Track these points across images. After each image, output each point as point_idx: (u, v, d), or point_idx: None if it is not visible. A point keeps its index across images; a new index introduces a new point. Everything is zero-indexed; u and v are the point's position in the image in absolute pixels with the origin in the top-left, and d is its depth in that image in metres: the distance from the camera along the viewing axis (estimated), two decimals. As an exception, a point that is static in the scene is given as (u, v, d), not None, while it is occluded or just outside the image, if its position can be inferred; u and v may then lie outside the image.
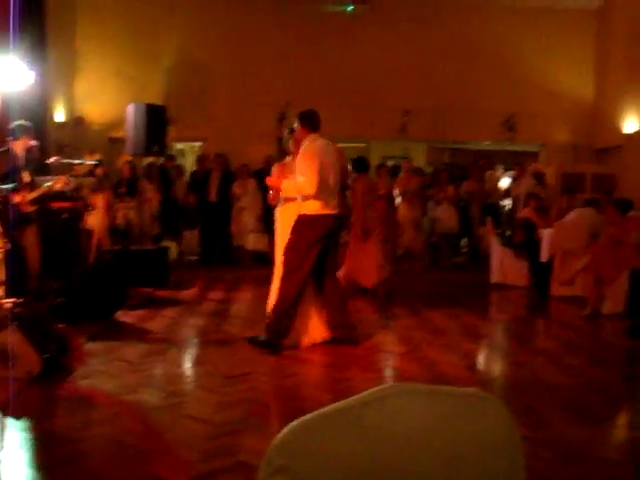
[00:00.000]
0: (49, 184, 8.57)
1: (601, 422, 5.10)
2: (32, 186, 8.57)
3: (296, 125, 6.94)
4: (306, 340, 6.92)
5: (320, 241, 6.73)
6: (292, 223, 6.75)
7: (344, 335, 7.01)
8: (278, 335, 6.72)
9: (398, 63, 15.01)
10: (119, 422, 4.73)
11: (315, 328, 6.98)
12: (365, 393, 1.32)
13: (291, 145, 7.14)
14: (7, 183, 7.69)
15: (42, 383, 5.50)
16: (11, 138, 8.56)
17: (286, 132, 7.48)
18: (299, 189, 6.68)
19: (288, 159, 7.22)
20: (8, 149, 8.55)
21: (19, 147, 8.56)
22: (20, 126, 8.66)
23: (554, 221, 10.87)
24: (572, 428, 4.79)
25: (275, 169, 7.34)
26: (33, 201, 8.57)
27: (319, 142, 6.79)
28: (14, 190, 8.19)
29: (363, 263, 10.01)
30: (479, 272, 12.67)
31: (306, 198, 6.68)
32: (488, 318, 9.62)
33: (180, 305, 9.35)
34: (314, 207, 6.71)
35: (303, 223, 6.74)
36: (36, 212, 8.67)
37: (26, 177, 8.55)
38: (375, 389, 1.32)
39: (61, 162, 8.89)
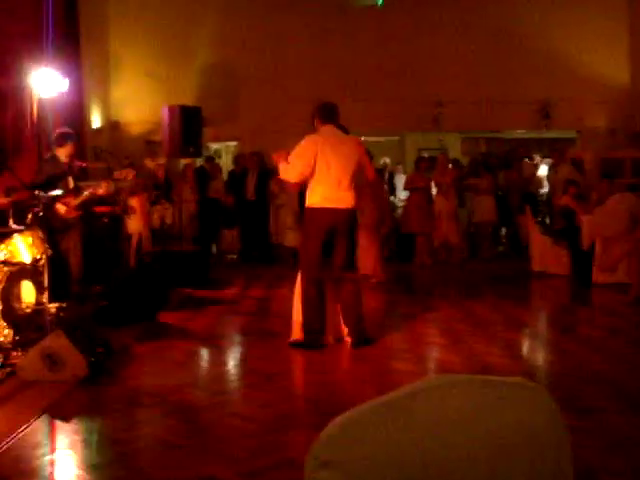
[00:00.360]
0: (92, 189, 8.70)
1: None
2: (76, 191, 8.72)
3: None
4: (330, 338, 6.83)
5: (320, 236, 6.62)
6: None
7: (356, 340, 6.77)
8: (313, 333, 6.69)
9: (429, 54, 14.93)
10: (166, 422, 4.78)
11: (338, 325, 6.90)
12: (411, 385, 1.32)
13: None
14: (50, 189, 7.80)
15: (89, 386, 5.57)
16: (55, 145, 8.72)
17: None
18: (282, 172, 6.67)
19: None
20: (54, 156, 8.71)
21: (63, 154, 8.71)
22: (63, 133, 8.81)
23: (594, 208, 10.75)
24: (619, 416, 4.74)
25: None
26: (78, 206, 8.71)
27: (326, 132, 6.70)
28: (60, 196, 8.33)
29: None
30: (519, 261, 12.58)
31: (309, 190, 6.65)
32: (530, 307, 9.55)
33: (221, 304, 9.41)
34: (312, 200, 6.62)
35: (305, 217, 6.76)
36: (79, 217, 8.82)
37: (70, 183, 8.69)
38: (421, 380, 1.32)
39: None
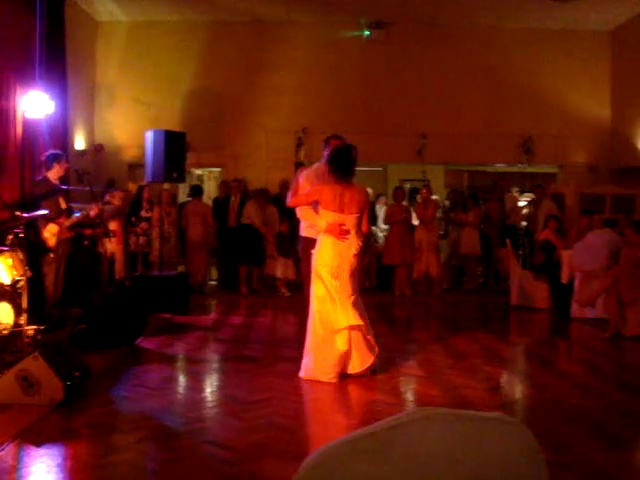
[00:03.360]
0: (85, 211, 8.73)
1: (626, 446, 5.06)
2: (69, 213, 8.76)
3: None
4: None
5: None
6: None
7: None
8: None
9: (414, 87, 15.07)
10: (141, 448, 4.75)
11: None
12: (391, 418, 1.33)
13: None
14: (34, 210, 7.80)
15: (65, 410, 5.52)
16: (45, 167, 8.76)
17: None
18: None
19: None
20: (45, 177, 8.74)
21: (54, 175, 8.75)
22: (54, 155, 8.86)
23: (573, 242, 10.83)
24: (597, 452, 4.75)
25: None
26: (70, 227, 8.73)
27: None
28: (49, 217, 8.34)
29: None
30: (499, 294, 12.64)
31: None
32: (509, 341, 9.58)
33: (200, 331, 9.38)
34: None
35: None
36: (69, 239, 8.83)
37: (62, 203, 8.72)
38: (401, 414, 1.33)
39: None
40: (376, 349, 6.81)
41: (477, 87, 15.09)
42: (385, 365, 7.24)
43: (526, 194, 15.69)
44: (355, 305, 6.63)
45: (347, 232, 6.61)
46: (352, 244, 6.63)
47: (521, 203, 15.24)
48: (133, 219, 12.60)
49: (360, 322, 6.60)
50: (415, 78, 15.11)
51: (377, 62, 15.13)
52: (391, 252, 13.03)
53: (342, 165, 6.73)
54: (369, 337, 6.75)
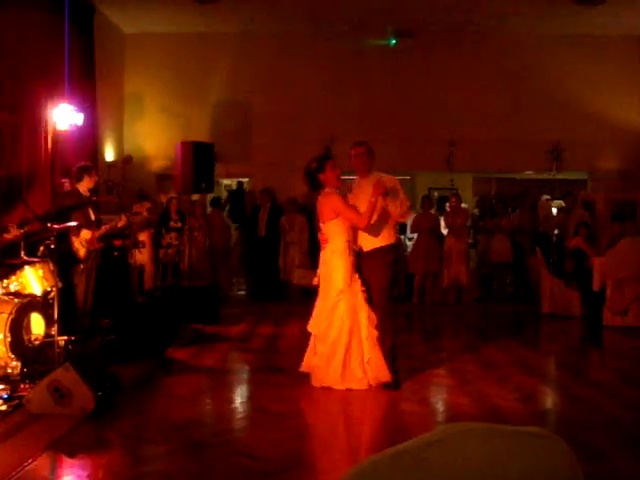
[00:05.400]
0: (114, 222, 8.81)
1: (661, 456, 4.97)
2: (98, 224, 8.84)
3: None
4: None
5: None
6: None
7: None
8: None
9: (442, 95, 15.01)
10: (171, 459, 4.74)
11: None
12: (427, 434, 1.31)
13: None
14: (63, 221, 7.86)
15: (96, 420, 5.54)
16: (75, 179, 8.86)
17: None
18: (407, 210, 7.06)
19: (330, 190, 7.05)
20: (75, 189, 8.84)
21: (84, 187, 8.84)
22: (84, 167, 8.95)
23: (605, 250, 10.72)
24: (630, 462, 4.68)
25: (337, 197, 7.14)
26: (100, 238, 8.81)
27: None
28: (79, 228, 8.41)
29: None
30: (530, 303, 12.53)
31: (391, 228, 7.00)
32: (540, 350, 9.48)
33: (230, 341, 9.39)
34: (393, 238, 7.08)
35: (390, 255, 6.99)
36: (99, 249, 8.90)
37: (91, 215, 8.80)
38: (436, 429, 1.31)
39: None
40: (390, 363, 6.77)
41: (505, 94, 15.00)
42: (415, 374, 7.20)
43: (556, 201, 15.54)
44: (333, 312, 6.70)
45: (324, 240, 6.82)
46: (333, 250, 6.72)
47: (553, 210, 15.10)
48: (163, 230, 12.68)
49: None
50: (442, 85, 15.05)
51: (404, 70, 15.10)
52: (416, 261, 13.02)
53: (305, 179, 6.91)
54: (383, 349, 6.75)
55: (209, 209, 14.58)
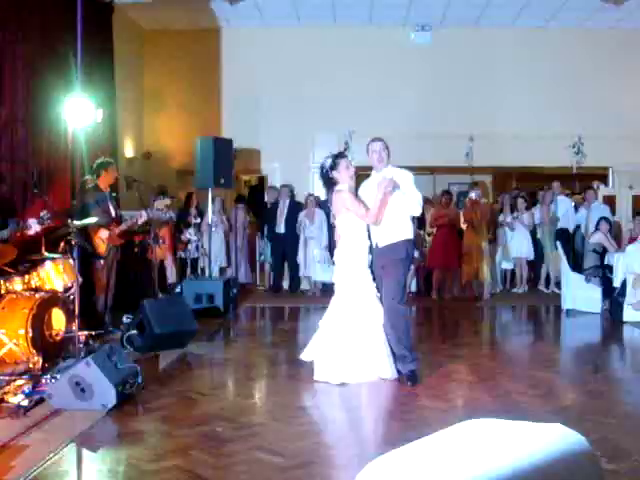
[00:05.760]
0: (136, 218, 8.84)
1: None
2: (119, 219, 8.88)
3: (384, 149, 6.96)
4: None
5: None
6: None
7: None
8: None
9: (461, 90, 14.96)
10: (192, 454, 4.76)
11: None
12: (446, 430, 1.31)
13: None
14: (84, 217, 7.91)
15: (117, 415, 5.58)
16: (96, 174, 8.90)
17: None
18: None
19: (342, 186, 7.09)
20: (95, 185, 8.88)
21: (104, 182, 8.88)
22: (102, 162, 8.99)
23: (626, 245, 10.64)
24: (652, 459, 4.64)
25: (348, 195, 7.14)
26: (121, 234, 8.86)
27: None
28: (100, 225, 8.46)
29: None
30: (550, 298, 12.47)
31: (406, 223, 6.91)
32: (560, 345, 9.44)
33: (250, 335, 9.42)
34: (410, 234, 6.98)
35: (405, 250, 6.90)
36: (120, 245, 8.96)
37: (112, 211, 8.85)
38: (456, 425, 1.31)
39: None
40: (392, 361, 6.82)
41: (525, 88, 14.92)
42: (434, 370, 7.19)
43: (577, 196, 15.43)
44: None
45: (338, 236, 7.01)
46: (344, 246, 6.87)
47: (573, 205, 14.98)
48: (182, 225, 12.73)
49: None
50: (462, 80, 15.00)
51: (424, 65, 15.05)
52: (433, 255, 13.01)
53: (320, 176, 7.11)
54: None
55: (232, 205, 14.66)
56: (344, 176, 6.87)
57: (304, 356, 7.03)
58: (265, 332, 9.75)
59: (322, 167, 6.96)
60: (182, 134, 14.72)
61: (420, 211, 6.93)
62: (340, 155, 7.12)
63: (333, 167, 6.87)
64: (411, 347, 6.82)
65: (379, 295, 6.82)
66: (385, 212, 6.73)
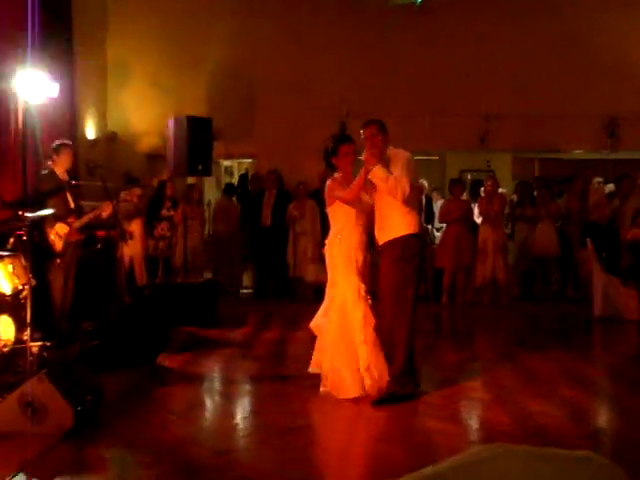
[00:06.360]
0: (98, 210, 8.79)
1: None
2: (78, 212, 8.81)
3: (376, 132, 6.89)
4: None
5: (417, 268, 6.96)
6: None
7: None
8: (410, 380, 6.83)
9: (476, 63, 14.91)
10: (163, 484, 4.74)
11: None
12: (458, 456, 1.28)
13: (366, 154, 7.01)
14: (38, 209, 7.85)
15: (74, 439, 5.54)
16: (51, 159, 8.83)
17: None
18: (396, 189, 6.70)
19: (338, 175, 7.14)
20: (52, 171, 8.81)
21: (60, 168, 8.82)
22: (58, 145, 8.93)
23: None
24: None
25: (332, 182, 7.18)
26: (81, 229, 8.79)
27: None
28: (56, 217, 8.40)
29: None
30: (579, 304, 12.48)
31: (407, 214, 6.81)
32: (592, 359, 9.43)
33: (231, 347, 9.40)
34: (412, 227, 6.88)
35: (404, 247, 6.83)
36: (79, 242, 8.89)
37: (70, 202, 8.78)
38: (469, 452, 1.28)
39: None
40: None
41: (550, 60, 14.85)
42: (443, 386, 7.19)
43: (610, 185, 15.43)
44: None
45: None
46: (331, 238, 7.08)
47: (607, 195, 14.97)
48: (153, 219, 12.69)
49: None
50: (476, 51, 14.94)
51: (431, 34, 15.00)
52: (443, 254, 12.98)
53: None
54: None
55: (217, 195, 14.67)
56: (343, 164, 7.00)
57: (312, 367, 7.13)
58: (248, 343, 9.72)
59: (325, 150, 7.20)
60: (153, 112, 14.65)
61: (399, 195, 6.75)
62: (343, 139, 7.17)
63: (332, 152, 7.05)
64: (404, 367, 6.77)
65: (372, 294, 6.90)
66: (382, 203, 6.76)
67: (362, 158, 6.82)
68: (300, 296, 13.41)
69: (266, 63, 14.94)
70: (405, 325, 6.73)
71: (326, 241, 7.14)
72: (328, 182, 7.06)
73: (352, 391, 6.68)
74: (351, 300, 6.81)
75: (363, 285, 6.87)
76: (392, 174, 6.58)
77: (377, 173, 6.59)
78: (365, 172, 6.65)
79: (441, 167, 17.93)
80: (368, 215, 6.93)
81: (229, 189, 14.99)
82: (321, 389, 6.91)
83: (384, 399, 6.61)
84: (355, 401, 6.60)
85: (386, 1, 14.86)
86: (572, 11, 14.93)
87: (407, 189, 6.58)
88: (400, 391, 6.69)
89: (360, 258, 6.90)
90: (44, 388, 5.61)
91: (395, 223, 6.76)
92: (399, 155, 6.85)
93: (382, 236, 6.82)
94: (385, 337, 6.76)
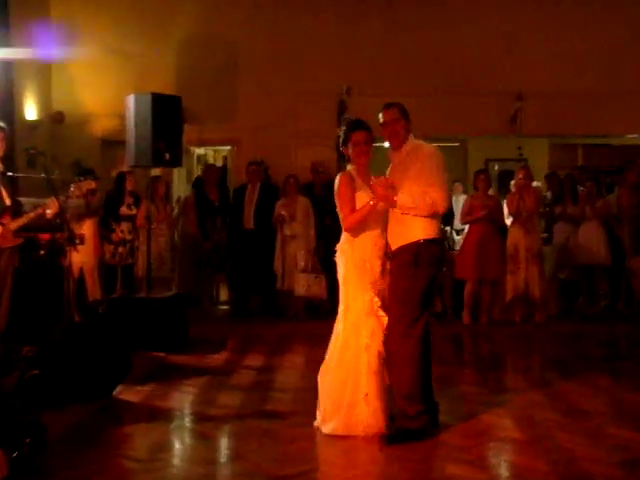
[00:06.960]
0: (40, 209, 8.73)
1: None
2: (16, 210, 8.75)
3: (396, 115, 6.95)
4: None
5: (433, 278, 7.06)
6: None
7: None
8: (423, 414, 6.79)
9: (503, 34, 14.91)
10: None
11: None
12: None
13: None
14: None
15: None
16: None
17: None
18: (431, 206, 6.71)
19: (351, 167, 7.12)
20: None
21: None
22: None
23: None
24: None
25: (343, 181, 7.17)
26: (18, 231, 8.73)
27: None
28: None
29: None
30: (633, 323, 12.46)
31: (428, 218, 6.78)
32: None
33: (205, 375, 9.37)
34: (431, 231, 6.85)
35: (421, 254, 6.78)
36: (16, 247, 8.83)
37: (5, 198, 8.70)
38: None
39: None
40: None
41: (594, 29, 14.88)
42: (466, 423, 7.17)
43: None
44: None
45: None
46: (339, 246, 7.14)
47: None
48: (111, 219, 12.64)
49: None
50: (503, 21, 14.94)
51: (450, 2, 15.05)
52: (465, 262, 12.92)
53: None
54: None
55: (187, 191, 14.65)
56: (355, 155, 7.01)
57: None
58: (226, 370, 9.68)
59: (337, 138, 7.27)
60: (109, 88, 14.61)
61: (440, 211, 6.80)
62: (356, 125, 7.13)
63: (343, 142, 7.11)
64: (412, 396, 6.74)
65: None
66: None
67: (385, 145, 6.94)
68: (289, 313, 13.39)
69: (249, 30, 14.95)
70: (416, 344, 6.72)
71: (337, 247, 7.09)
72: (338, 177, 7.06)
73: (353, 428, 6.70)
74: (362, 317, 6.82)
75: (377, 299, 6.84)
76: (418, 194, 6.61)
77: (403, 205, 6.66)
78: (374, 205, 6.67)
79: (462, 156, 17.98)
80: (385, 216, 6.91)
81: (200, 183, 14.93)
82: (314, 423, 6.95)
83: (393, 436, 6.61)
84: (357, 440, 6.58)
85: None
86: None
87: (446, 203, 6.85)
88: (410, 424, 6.67)
89: (377, 267, 6.88)
90: (-29, 428, 5.55)
91: (411, 226, 6.74)
92: (423, 151, 6.87)
93: (395, 241, 6.82)
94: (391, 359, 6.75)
